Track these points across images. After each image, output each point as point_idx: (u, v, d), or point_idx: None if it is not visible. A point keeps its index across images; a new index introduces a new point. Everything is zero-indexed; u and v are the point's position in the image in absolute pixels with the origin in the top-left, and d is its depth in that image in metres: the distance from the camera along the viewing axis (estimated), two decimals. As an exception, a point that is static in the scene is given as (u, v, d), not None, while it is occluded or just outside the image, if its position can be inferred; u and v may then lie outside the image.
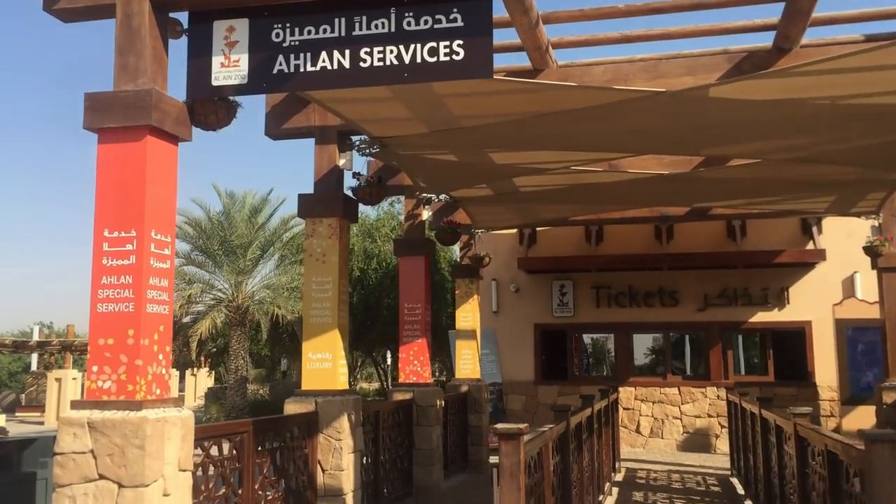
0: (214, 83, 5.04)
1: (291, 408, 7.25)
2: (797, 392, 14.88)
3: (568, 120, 6.79)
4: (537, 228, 16.27)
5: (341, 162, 7.64)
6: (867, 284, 14.77)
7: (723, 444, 14.99)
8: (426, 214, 10.47)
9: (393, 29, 4.82)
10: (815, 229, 14.98)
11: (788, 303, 15.17)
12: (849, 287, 14.94)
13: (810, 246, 15.00)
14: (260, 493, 6.19)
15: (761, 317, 15.27)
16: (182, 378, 38.80)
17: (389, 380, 26.64)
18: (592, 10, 6.70)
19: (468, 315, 13.02)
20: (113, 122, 4.79)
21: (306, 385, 7.40)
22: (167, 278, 4.89)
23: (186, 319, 23.04)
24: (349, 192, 7.81)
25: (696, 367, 16.23)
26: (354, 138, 7.73)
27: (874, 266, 11.82)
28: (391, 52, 4.82)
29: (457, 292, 13.24)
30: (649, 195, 10.33)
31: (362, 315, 23.62)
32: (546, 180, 9.31)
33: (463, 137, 7.34)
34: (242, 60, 5.02)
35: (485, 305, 16.24)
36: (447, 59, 4.72)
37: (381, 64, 4.83)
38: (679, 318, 15.60)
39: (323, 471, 7.17)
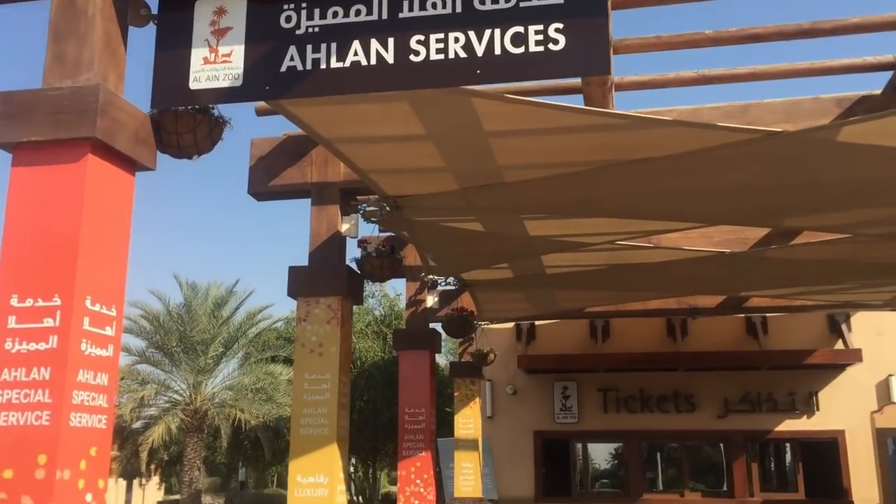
0: (193, 86, 3.47)
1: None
2: (833, 511, 13.18)
3: (640, 174, 5.33)
4: (536, 323, 14.70)
5: (344, 227, 6.05)
6: (906, 388, 13.34)
7: (752, 572, 13.13)
8: (431, 301, 8.85)
9: (459, 9, 3.33)
10: (844, 327, 13.60)
11: (818, 409, 13.61)
12: (884, 392, 13.47)
13: (839, 345, 13.58)
14: None
15: (788, 425, 13.66)
16: (129, 489, 35.71)
17: (360, 497, 24.30)
18: (672, 38, 5.33)
19: (469, 421, 11.25)
20: (37, 134, 3.18)
21: (293, 522, 5.56)
22: (108, 373, 3.18)
23: (137, 425, 20.78)
24: (353, 265, 6.19)
25: (718, 482, 14.47)
26: (361, 198, 6.17)
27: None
28: (456, 40, 3.31)
29: (456, 394, 11.49)
30: (692, 280, 8.85)
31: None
32: (580, 259, 7.80)
33: (500, 196, 5.82)
34: (236, 54, 3.47)
35: (480, 409, 14.44)
36: (540, 48, 3.22)
37: (440, 57, 3.31)
38: (697, 425, 13.92)
39: None
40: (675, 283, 9.00)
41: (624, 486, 14.28)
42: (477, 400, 11.39)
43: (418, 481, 8.30)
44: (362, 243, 6.22)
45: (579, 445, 14.53)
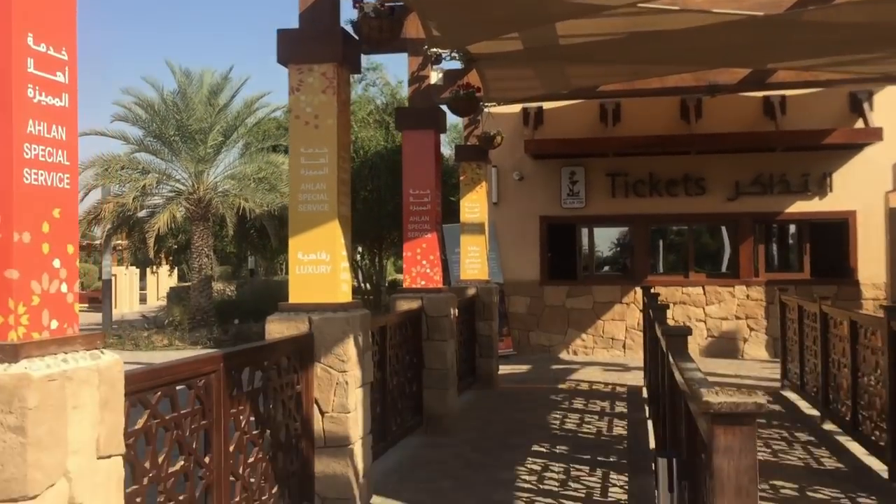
0: None
1: (276, 327, 5.23)
2: (837, 290, 13.25)
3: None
4: (544, 107, 14.12)
5: (338, -14, 5.38)
6: (923, 169, 12.98)
7: (752, 349, 13.45)
8: (435, 77, 8.27)
9: None
10: (866, 105, 13.01)
11: (831, 190, 13.34)
12: (901, 172, 13.13)
13: (859, 124, 13.07)
14: (238, 456, 4.25)
15: (799, 206, 13.45)
16: (143, 276, 36.67)
17: (367, 284, 24.79)
18: None
19: (475, 206, 11.00)
20: None
21: (295, 297, 5.37)
22: (65, 126, 2.75)
23: (142, 213, 20.72)
24: (348, 28, 5.59)
25: (724, 263, 14.50)
26: (355, -51, 5.46)
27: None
28: None
29: (461, 178, 11.17)
30: (717, 50, 8.20)
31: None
32: (598, 26, 7.13)
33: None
34: None
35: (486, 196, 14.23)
36: None
37: None
38: (706, 208, 13.73)
39: (322, 413, 5.23)
40: (699, 54, 8.35)
41: (629, 269, 14.33)
42: (483, 184, 11.08)
43: (424, 262, 8.14)
44: (358, 2, 5.57)
45: (585, 230, 14.42)
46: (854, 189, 13.24)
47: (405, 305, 7.89)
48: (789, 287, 13.28)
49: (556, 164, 14.11)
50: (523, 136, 13.89)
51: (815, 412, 8.79)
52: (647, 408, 8.99)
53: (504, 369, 12.21)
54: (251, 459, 4.42)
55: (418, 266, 8.16)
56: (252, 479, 4.42)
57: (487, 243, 14.13)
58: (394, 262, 36.90)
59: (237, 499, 4.21)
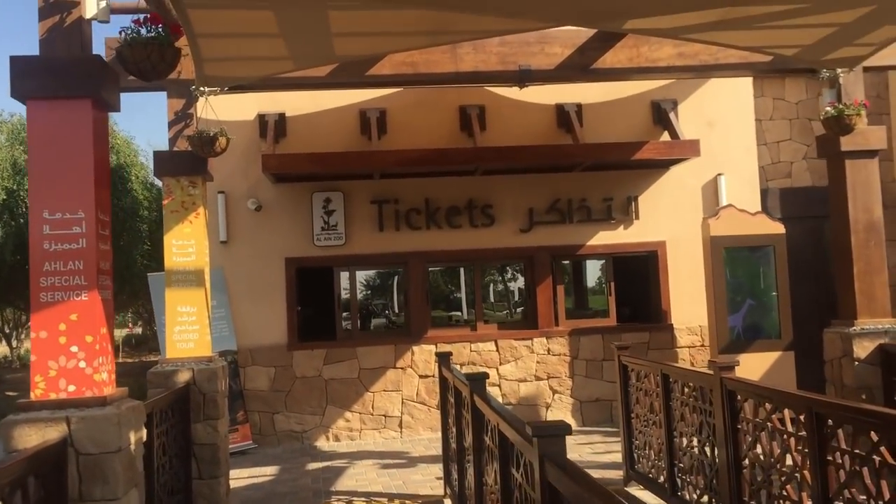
0: None
1: None
2: (649, 337, 11.01)
3: None
4: (287, 114, 10.67)
5: None
6: (735, 191, 11.18)
7: (556, 416, 10.76)
8: (93, 6, 4.48)
9: None
10: (672, 115, 11.00)
11: (637, 217, 11.13)
12: (711, 194, 11.23)
13: (665, 138, 11.02)
14: None
15: (603, 237, 11.10)
16: None
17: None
18: None
19: (188, 244, 7.22)
20: None
21: None
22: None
23: None
24: None
25: (518, 311, 11.78)
26: None
27: (824, 152, 7.96)
28: None
29: (165, 202, 7.32)
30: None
31: (14, 255, 16.53)
32: None
33: None
34: None
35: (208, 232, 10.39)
36: None
37: None
38: (495, 242, 10.94)
39: None
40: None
41: (405, 322, 11.15)
42: (201, 211, 7.33)
43: (74, 348, 4.27)
44: None
45: (346, 274, 11.07)
46: (662, 215, 11.15)
47: (30, 440, 3.95)
48: (595, 335, 10.91)
49: (305, 188, 10.66)
50: (260, 151, 10.30)
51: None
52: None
53: (238, 479, 8.43)
54: None
55: (64, 357, 4.26)
56: None
57: (210, 299, 10.29)
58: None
59: None
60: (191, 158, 7.22)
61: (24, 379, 17.32)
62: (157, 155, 7.41)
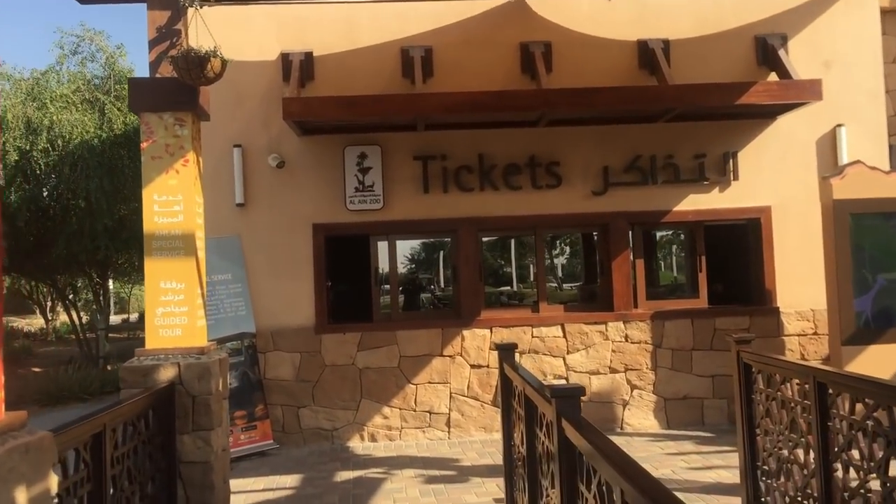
0: None
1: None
2: (749, 323, 9.09)
3: None
4: (315, 53, 8.95)
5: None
6: (858, 146, 9.15)
7: (635, 417, 9.04)
8: None
9: None
10: (782, 52, 8.99)
11: (736, 178, 9.18)
12: (827, 150, 9.23)
13: (773, 77, 9.04)
14: None
15: (693, 202, 9.19)
16: None
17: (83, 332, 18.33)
18: None
19: (174, 198, 5.54)
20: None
21: None
22: None
23: None
24: None
25: (590, 289, 9.94)
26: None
27: None
28: None
29: (144, 146, 5.64)
30: None
31: (30, 224, 15.22)
32: None
33: None
34: None
35: (220, 192, 8.75)
36: None
37: None
38: (562, 207, 9.10)
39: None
40: None
41: (454, 302, 9.41)
42: (190, 157, 5.64)
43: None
44: None
45: (384, 244, 9.34)
46: (767, 176, 9.18)
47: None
48: (682, 320, 9.06)
49: (336, 141, 8.95)
50: (282, 95, 8.61)
51: None
52: None
53: (250, 493, 6.83)
54: None
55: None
56: None
57: (227, 269, 8.67)
58: (133, 290, 30.12)
59: None
60: (177, 87, 5.52)
61: None
62: (134, 83, 5.72)
